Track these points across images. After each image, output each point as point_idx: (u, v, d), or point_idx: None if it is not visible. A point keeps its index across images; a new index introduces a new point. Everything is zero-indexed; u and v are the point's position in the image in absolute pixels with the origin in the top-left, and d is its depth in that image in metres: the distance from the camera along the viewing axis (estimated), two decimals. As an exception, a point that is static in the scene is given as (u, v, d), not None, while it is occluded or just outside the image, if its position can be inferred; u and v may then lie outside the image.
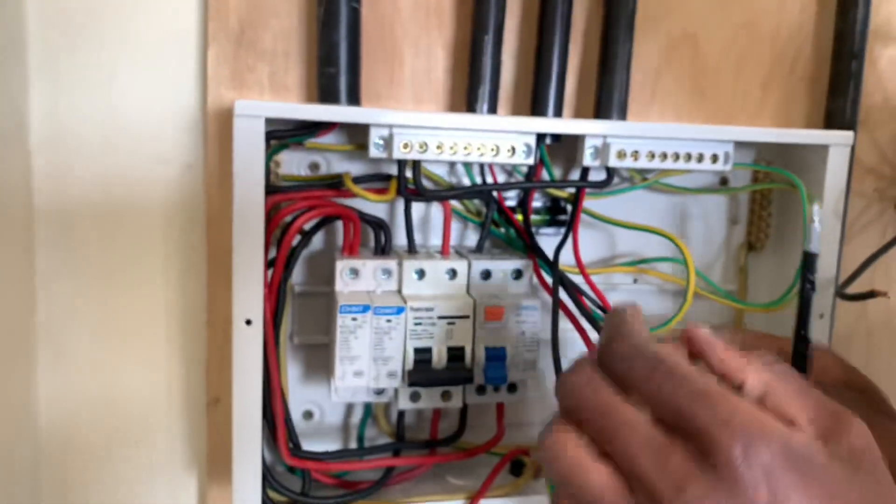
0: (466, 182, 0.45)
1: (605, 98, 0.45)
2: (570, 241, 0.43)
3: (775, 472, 0.23)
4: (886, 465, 0.25)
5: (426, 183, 0.43)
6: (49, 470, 0.45)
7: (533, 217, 0.46)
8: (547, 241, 0.45)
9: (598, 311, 0.43)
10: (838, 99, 0.49)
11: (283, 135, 0.40)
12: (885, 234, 0.52)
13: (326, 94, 0.41)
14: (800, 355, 0.32)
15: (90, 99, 0.42)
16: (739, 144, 0.44)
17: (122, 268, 0.44)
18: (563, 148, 0.45)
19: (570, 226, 0.44)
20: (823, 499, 0.24)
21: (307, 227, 0.41)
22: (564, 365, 0.40)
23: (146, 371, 0.46)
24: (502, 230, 0.45)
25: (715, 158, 0.43)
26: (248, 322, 0.38)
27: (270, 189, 0.39)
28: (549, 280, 0.44)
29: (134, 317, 0.45)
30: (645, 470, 0.24)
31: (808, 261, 0.31)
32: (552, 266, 0.43)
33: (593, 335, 0.42)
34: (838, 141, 0.44)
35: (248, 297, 0.38)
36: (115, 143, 0.43)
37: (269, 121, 0.38)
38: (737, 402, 0.25)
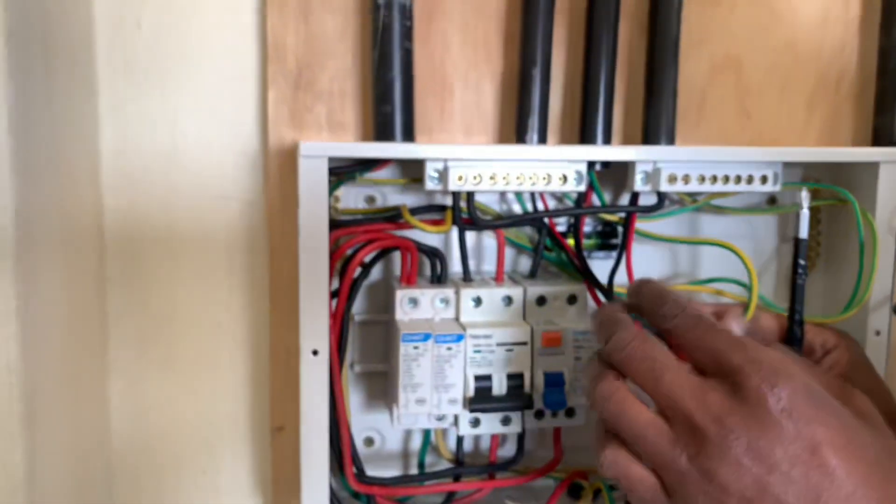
0: (517, 208, 0.46)
1: (653, 123, 0.45)
2: (623, 263, 0.44)
3: (798, 405, 0.28)
4: None
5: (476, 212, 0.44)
6: (121, 499, 0.47)
7: (585, 241, 0.46)
8: (600, 264, 0.46)
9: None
10: (885, 115, 0.49)
11: (342, 171, 0.42)
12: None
13: (382, 131, 0.42)
14: (794, 336, 0.37)
15: (155, 140, 0.44)
16: (786, 164, 0.44)
17: (188, 300, 0.46)
18: (612, 173, 0.46)
19: (622, 250, 0.44)
20: (839, 430, 0.28)
21: (367, 259, 0.42)
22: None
23: (211, 400, 0.47)
24: (553, 254, 0.46)
25: (765, 179, 0.43)
26: (315, 352, 0.40)
27: (332, 224, 0.41)
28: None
29: (199, 348, 0.47)
30: (687, 406, 0.29)
31: (799, 246, 0.34)
32: (606, 293, 0.44)
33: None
34: (890, 158, 0.44)
35: (315, 329, 0.40)
36: (179, 182, 0.45)
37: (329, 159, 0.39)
38: (766, 349, 0.30)
